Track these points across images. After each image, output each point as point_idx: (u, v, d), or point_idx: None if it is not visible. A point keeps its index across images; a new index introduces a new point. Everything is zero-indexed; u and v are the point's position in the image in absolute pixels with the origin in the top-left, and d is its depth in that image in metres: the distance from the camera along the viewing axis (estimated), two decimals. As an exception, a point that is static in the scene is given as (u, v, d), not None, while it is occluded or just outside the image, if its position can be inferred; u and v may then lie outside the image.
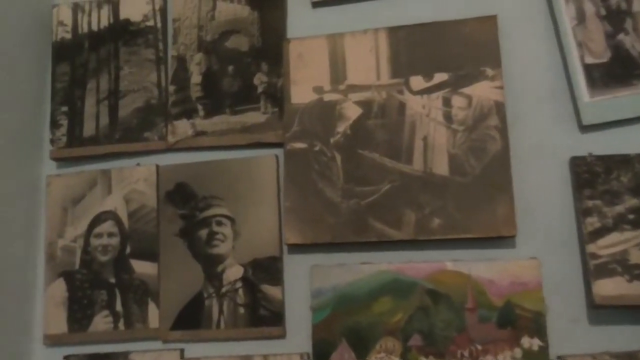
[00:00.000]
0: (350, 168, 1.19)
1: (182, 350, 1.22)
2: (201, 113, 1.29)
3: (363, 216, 1.16)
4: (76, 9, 1.37)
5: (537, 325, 1.07)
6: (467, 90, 1.16)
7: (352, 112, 1.21)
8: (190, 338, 1.22)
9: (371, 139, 1.19)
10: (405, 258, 1.16)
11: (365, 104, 1.20)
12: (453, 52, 1.18)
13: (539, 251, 1.11)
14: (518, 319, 1.08)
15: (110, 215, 1.29)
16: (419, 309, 1.13)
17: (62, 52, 1.37)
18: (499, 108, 1.14)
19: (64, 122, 1.34)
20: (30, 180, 1.32)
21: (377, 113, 1.20)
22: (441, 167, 1.14)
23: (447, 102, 1.17)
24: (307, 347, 1.18)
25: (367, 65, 1.22)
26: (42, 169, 1.36)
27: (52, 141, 1.34)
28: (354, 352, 1.14)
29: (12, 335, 1.23)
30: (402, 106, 1.18)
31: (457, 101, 1.16)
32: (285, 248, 1.22)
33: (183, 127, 1.29)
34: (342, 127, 1.21)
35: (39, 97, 1.37)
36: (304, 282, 1.20)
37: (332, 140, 1.20)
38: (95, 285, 1.27)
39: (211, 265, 1.23)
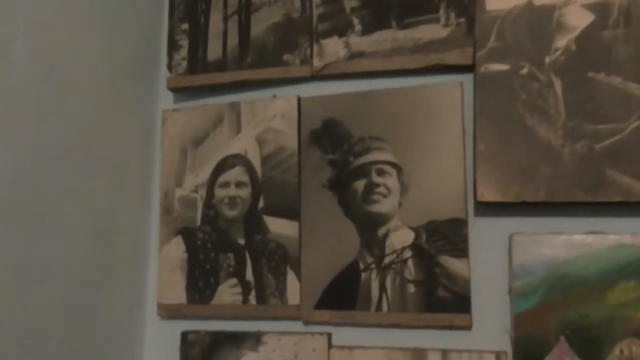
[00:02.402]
0: (576, 98, 0.84)
1: (329, 336, 0.94)
2: (357, 28, 0.98)
3: (597, 166, 0.82)
4: None
5: None
6: None
7: (579, 19, 0.85)
8: (340, 321, 0.93)
9: (608, 58, 0.83)
10: (659, 228, 0.80)
11: (599, 9, 0.85)
12: None
13: None
14: None
15: (240, 159, 1.02)
16: (683, 301, 0.78)
17: (183, -45, 1.10)
18: None
19: (184, 42, 1.07)
20: (143, 116, 1.08)
21: (617, 21, 0.84)
22: None
23: None
24: (501, 343, 0.86)
25: (602, -48, 0.85)
26: (158, 102, 1.10)
27: (169, 67, 1.08)
28: (579, 357, 0.81)
29: (122, 303, 1.00)
30: (658, 9, 0.82)
31: None
32: (472, 207, 0.90)
33: (333, 47, 0.99)
34: (563, 41, 0.86)
35: (155, 12, 1.11)
36: (499, 256, 0.88)
37: (547, 59, 0.86)
38: (221, 247, 1.01)
39: (370, 227, 0.93)
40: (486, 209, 0.89)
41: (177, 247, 1.03)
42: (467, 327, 0.88)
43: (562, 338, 0.82)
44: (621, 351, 0.79)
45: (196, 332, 1.00)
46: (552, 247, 0.84)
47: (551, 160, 0.83)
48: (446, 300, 0.88)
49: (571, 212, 0.85)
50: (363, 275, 0.93)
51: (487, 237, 0.89)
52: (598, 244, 0.82)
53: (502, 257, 0.88)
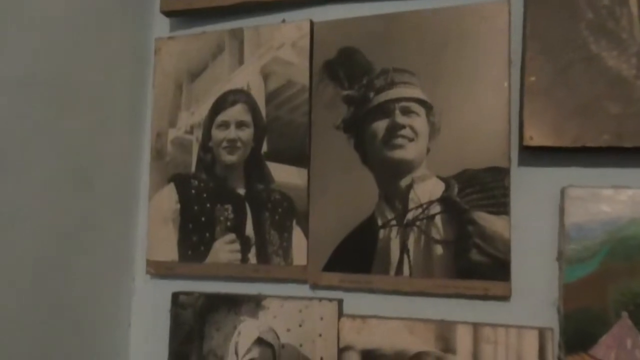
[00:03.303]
0: (656, 17, 0.67)
1: (340, 302, 0.80)
2: (384, -62, 0.81)
3: (680, 102, 0.65)
4: None
5: None
6: None
7: None
8: (353, 286, 0.79)
9: (702, -36, 0.66)
10: None
11: None
12: None
13: None
14: None
15: (241, 96, 0.88)
16: None
17: None
18: None
19: (180, -42, 0.92)
20: (132, 44, 0.94)
21: None
22: None
23: None
24: (546, 318, 0.71)
25: None
26: (150, 29, 0.96)
27: (163, -13, 0.93)
28: (644, 338, 0.66)
29: (105, 258, 0.88)
30: None
31: None
32: (516, 154, 0.74)
33: (354, -38, 0.83)
34: (642, -55, 0.68)
35: None
36: (548, 213, 0.73)
37: (621, -32, 0.69)
38: (218, 197, 0.87)
39: (391, 176, 0.78)
40: (534, 156, 0.73)
41: (169, 196, 0.90)
42: (505, 297, 0.73)
43: (625, 314, 0.67)
44: (700, 333, 0.64)
45: (189, 293, 0.87)
46: (616, 204, 0.68)
47: (621, 95, 0.67)
48: (481, 265, 0.73)
49: (642, 160, 0.69)
50: (381, 232, 0.78)
51: (533, 190, 0.74)
52: (676, 200, 0.66)
53: (552, 215, 0.72)
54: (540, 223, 0.73)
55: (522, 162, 0.74)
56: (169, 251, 0.89)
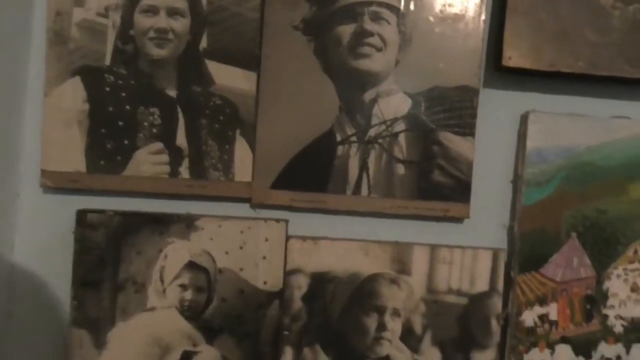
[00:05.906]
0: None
1: (286, 223, 0.73)
2: None
3: (649, 36, 0.68)
4: None
5: None
6: None
7: None
8: (306, 205, 0.73)
9: None
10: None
11: None
12: None
13: None
14: None
15: (175, -24, 0.72)
16: None
17: None
18: None
19: None
20: None
21: None
22: None
23: None
24: (498, 238, 0.73)
25: None
26: None
27: None
28: (589, 257, 0.71)
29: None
30: None
31: None
32: (482, 73, 0.72)
33: None
34: None
35: None
36: (508, 137, 0.73)
37: None
38: (141, 98, 0.72)
39: (355, 88, 0.72)
40: (501, 78, 0.72)
41: (74, 93, 0.72)
42: (461, 218, 0.73)
43: (574, 235, 0.71)
44: (635, 252, 0.71)
45: (100, 211, 0.73)
46: (574, 132, 0.71)
47: (599, 23, 0.67)
48: (442, 186, 0.72)
49: (606, 91, 0.71)
50: (340, 149, 0.72)
51: (497, 113, 0.73)
52: (628, 130, 0.71)
53: (511, 137, 0.73)
54: (502, 146, 0.73)
55: (488, 83, 0.73)
56: (73, 160, 0.73)
